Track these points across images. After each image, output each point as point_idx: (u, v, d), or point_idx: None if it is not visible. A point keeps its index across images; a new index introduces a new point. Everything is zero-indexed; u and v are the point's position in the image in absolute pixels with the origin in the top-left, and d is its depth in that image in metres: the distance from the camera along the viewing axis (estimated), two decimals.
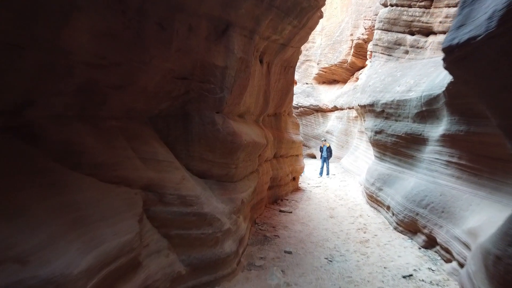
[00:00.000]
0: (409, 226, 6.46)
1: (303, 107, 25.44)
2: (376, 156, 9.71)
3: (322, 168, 16.18)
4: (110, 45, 3.03)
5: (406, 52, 8.56)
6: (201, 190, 4.48)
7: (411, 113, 7.10)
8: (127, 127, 3.78)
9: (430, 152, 6.37)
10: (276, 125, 9.53)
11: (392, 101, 7.82)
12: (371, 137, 9.29)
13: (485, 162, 4.76)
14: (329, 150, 16.31)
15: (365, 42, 18.57)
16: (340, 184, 13.48)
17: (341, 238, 6.78)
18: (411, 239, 6.37)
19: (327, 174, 16.12)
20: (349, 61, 21.88)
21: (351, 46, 21.13)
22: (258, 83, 6.60)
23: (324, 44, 25.52)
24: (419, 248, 5.93)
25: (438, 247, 5.46)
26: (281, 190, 10.08)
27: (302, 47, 11.34)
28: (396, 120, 7.79)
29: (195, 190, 4.21)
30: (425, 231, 5.80)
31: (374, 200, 8.83)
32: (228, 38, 4.69)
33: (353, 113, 19.51)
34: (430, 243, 5.74)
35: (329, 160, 16.50)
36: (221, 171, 5.19)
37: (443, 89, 5.26)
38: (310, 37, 27.42)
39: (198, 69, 4.48)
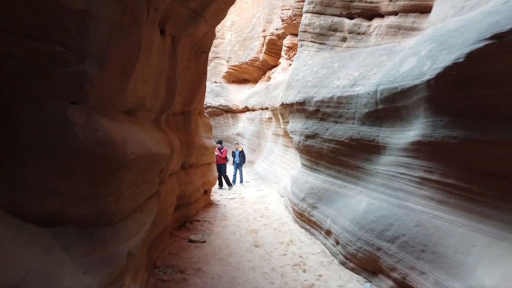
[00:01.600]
0: (365, 264, 4.85)
1: (212, 107, 23.38)
2: (305, 165, 8.11)
3: (235, 175, 14.31)
4: None
5: (344, 39, 7.10)
6: (33, 259, 2.08)
7: (358, 113, 5.56)
8: None
9: (390, 165, 4.87)
10: (184, 126, 7.23)
11: (331, 98, 6.23)
12: (300, 142, 7.64)
13: (493, 183, 3.29)
14: (242, 154, 14.55)
15: (279, 38, 17.33)
16: (257, 195, 11.73)
17: (276, 283, 4.89)
18: (370, 282, 4.76)
19: (241, 181, 14.34)
20: (261, 59, 20.53)
21: (263, 43, 19.81)
22: (158, 64, 4.29)
23: (234, 40, 23.86)
24: None
25: None
26: (191, 209, 7.83)
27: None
28: (336, 122, 6.23)
29: (6, 272, 1.78)
30: (394, 275, 4.20)
31: (305, 219, 7.18)
32: None
33: (266, 114, 18.16)
34: None
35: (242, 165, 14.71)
36: (88, 210, 2.82)
37: (427, 78, 3.70)
38: (219, 33, 25.50)
39: (31, 12, 2.07)
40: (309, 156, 7.51)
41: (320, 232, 6.46)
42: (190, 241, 6.46)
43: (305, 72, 7.59)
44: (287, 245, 6.49)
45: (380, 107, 5.00)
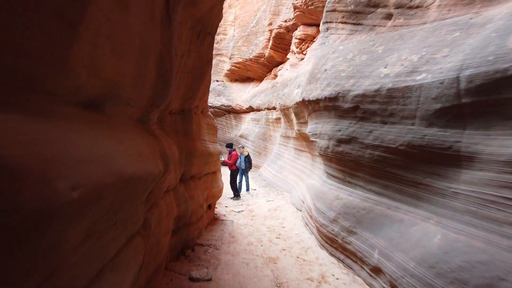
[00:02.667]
0: None
1: (213, 108, 21.88)
2: (333, 176, 6.58)
3: (240, 182, 12.78)
4: None
5: (388, 16, 5.58)
6: None
7: (422, 109, 4.05)
8: None
9: (484, 184, 3.34)
10: (184, 128, 5.69)
11: (377, 90, 4.72)
12: (328, 147, 6.12)
13: None
14: (248, 159, 12.93)
15: (288, 31, 15.81)
16: (268, 207, 10.18)
17: None
18: None
19: (247, 189, 12.83)
20: (266, 55, 19.05)
21: (270, 37, 18.31)
22: (144, 33, 2.75)
23: (237, 36, 22.37)
24: None
25: None
26: (192, 230, 6.31)
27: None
28: (385, 123, 4.71)
29: None
30: None
31: (338, 246, 5.65)
32: None
33: (273, 114, 16.65)
34: None
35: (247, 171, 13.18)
36: None
37: None
38: (221, 28, 23.96)
39: None
40: (341, 165, 5.97)
41: (362, 267, 4.93)
42: (192, 279, 4.93)
43: (335, 60, 6.06)
44: (319, 284, 4.95)
45: (465, 100, 3.48)
